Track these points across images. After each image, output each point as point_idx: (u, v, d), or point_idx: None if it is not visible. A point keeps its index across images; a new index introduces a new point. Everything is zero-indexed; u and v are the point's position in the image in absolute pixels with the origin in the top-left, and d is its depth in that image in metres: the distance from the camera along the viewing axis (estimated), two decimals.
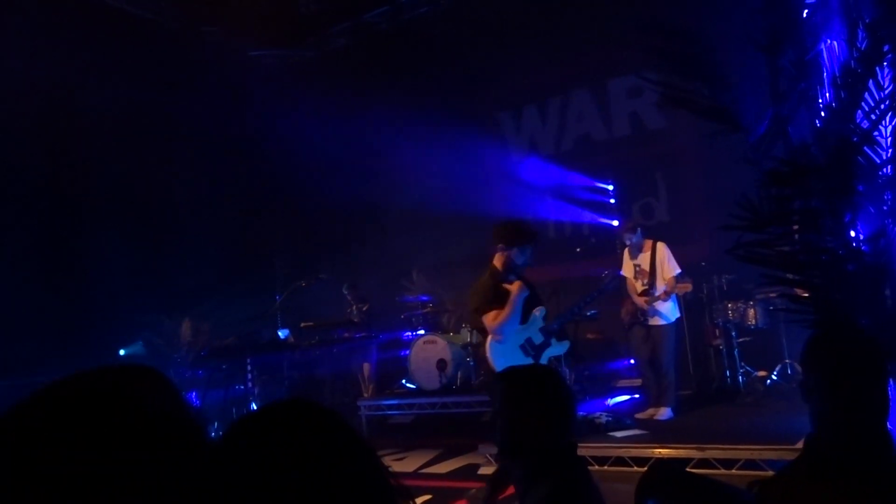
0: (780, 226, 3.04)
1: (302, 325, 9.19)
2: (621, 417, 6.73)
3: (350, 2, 10.36)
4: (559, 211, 10.35)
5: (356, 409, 8.73)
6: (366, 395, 9.25)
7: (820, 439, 2.01)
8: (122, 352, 9.02)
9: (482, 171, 10.11)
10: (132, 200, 9.59)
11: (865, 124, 2.96)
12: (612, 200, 9.94)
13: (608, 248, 7.88)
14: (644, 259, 7.06)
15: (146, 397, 0.88)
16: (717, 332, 7.91)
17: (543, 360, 4.65)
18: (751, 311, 7.60)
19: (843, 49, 3.02)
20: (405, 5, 10.45)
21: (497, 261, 4.71)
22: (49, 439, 0.78)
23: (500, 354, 4.53)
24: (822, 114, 3.07)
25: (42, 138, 8.81)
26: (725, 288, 7.87)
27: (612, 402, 7.66)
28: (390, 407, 8.87)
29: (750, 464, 5.31)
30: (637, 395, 7.87)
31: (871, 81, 2.92)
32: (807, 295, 3.27)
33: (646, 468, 2.46)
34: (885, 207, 2.94)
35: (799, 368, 7.23)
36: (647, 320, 6.97)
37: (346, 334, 9.31)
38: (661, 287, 6.90)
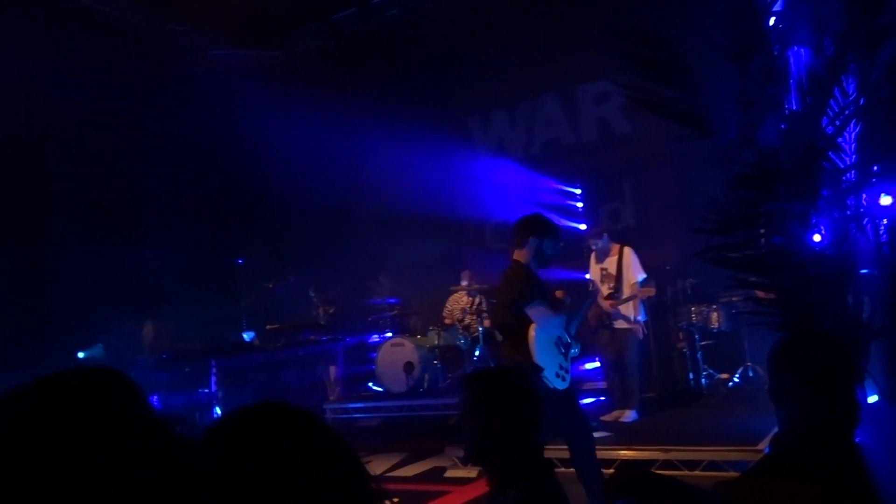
0: (747, 229, 3.09)
1: (268, 327, 9.08)
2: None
3: (319, 2, 10.28)
4: (527, 211, 10.37)
5: (322, 412, 8.65)
6: (332, 398, 9.17)
7: (788, 440, 2.03)
8: (80, 354, 8.81)
9: (450, 175, 10.11)
10: (92, 200, 9.38)
11: (830, 130, 3.03)
12: (580, 204, 10.03)
13: (576, 251, 7.94)
14: (611, 263, 7.13)
15: (114, 400, 0.85)
16: (681, 335, 8.01)
17: (568, 359, 4.63)
18: (714, 315, 7.73)
19: (810, 56, 3.09)
20: (375, 7, 10.41)
21: (522, 255, 4.60)
22: (16, 445, 0.74)
23: (543, 348, 4.46)
24: (789, 119, 3.13)
25: None
26: (689, 292, 7.99)
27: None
28: (356, 410, 8.81)
29: (713, 465, 5.39)
30: (602, 398, 7.94)
31: (836, 88, 2.98)
32: (772, 298, 3.32)
33: (612, 469, 2.47)
34: (848, 212, 3.01)
35: (761, 371, 7.38)
36: (612, 323, 7.04)
37: (313, 337, 9.22)
38: (626, 292, 6.98)
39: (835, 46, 2.95)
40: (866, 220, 3.04)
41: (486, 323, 8.90)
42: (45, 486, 0.71)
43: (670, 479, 2.77)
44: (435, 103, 10.70)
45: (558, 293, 4.83)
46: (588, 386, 8.66)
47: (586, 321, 7.38)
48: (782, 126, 3.14)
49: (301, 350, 9.07)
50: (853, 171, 3.05)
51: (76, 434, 0.76)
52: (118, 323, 8.99)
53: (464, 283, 9.15)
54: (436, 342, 8.84)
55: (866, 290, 3.16)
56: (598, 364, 7.88)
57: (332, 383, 9.36)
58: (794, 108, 3.15)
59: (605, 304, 7.04)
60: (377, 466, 6.93)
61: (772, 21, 3.22)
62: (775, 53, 3.15)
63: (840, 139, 3.04)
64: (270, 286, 8.62)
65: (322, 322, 9.46)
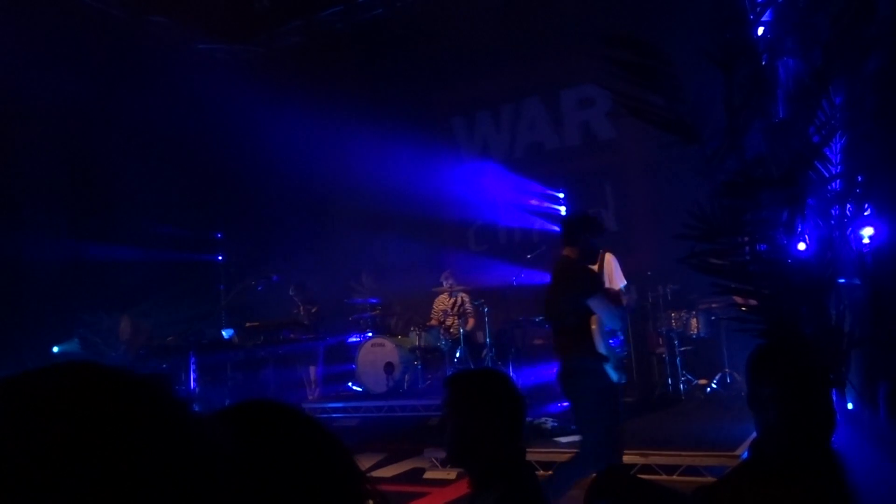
0: (731, 237, 3.11)
1: (247, 325, 9.00)
2: (566, 423, 6.79)
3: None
4: (509, 217, 10.42)
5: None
6: (311, 397, 9.12)
7: (766, 447, 2.05)
8: (55, 349, 8.68)
9: (434, 175, 10.10)
10: (70, 192, 9.26)
11: (816, 140, 3.06)
12: (562, 209, 10.06)
13: (558, 255, 7.96)
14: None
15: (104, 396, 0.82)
16: (660, 340, 8.06)
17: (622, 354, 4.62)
18: (693, 321, 7.78)
19: (798, 66, 3.12)
20: (360, 5, 10.37)
21: (574, 252, 4.59)
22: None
23: (603, 341, 4.44)
24: (776, 128, 3.16)
25: None
26: (669, 297, 8.04)
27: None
28: (336, 410, 8.75)
29: (691, 469, 5.42)
30: None
31: (823, 99, 3.01)
32: (754, 305, 3.35)
33: (593, 473, 2.47)
34: (832, 222, 3.04)
35: (738, 377, 7.44)
36: None
37: (293, 335, 9.16)
38: None
39: (822, 57, 2.98)
40: (850, 230, 3.07)
41: (470, 323, 8.90)
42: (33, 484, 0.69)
43: (650, 482, 2.78)
44: (419, 103, 10.69)
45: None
46: None
47: None
48: (769, 135, 3.17)
49: (281, 348, 8.99)
50: (838, 181, 3.08)
51: (63, 430, 0.73)
52: (94, 317, 8.86)
53: (445, 283, 9.14)
54: (416, 343, 8.81)
55: (848, 299, 3.20)
56: None
57: (311, 382, 9.31)
58: (781, 116, 3.18)
59: None
60: None
61: (760, 31, 3.24)
62: (762, 62, 3.17)
63: (826, 149, 3.08)
64: (252, 283, 8.54)
65: (304, 322, 9.39)
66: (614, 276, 7.05)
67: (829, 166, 3.08)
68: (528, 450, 2.13)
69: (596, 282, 4.54)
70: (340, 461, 0.87)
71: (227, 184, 10.83)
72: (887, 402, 3.11)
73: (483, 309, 8.45)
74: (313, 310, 9.53)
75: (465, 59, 9.94)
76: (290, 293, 9.64)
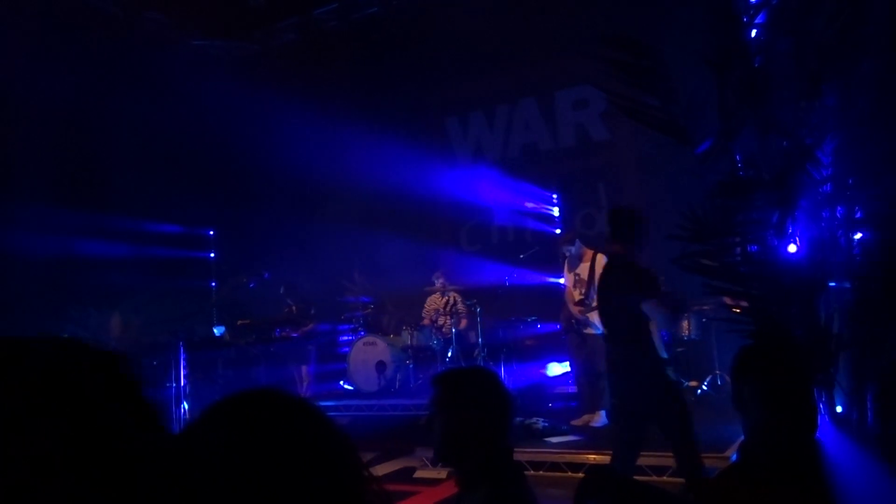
0: (723, 238, 3.12)
1: (239, 322, 8.97)
2: (557, 423, 6.80)
3: None
4: (502, 217, 10.43)
5: None
6: (302, 395, 9.09)
7: (753, 448, 2.06)
8: None
9: (427, 174, 10.09)
10: (61, 187, 9.20)
11: (809, 141, 3.07)
12: (556, 210, 10.08)
13: (551, 255, 7.98)
14: (583, 269, 7.14)
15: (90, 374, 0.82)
16: None
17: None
18: (684, 323, 7.79)
19: (791, 68, 3.13)
20: (355, 4, 10.36)
21: (628, 249, 4.43)
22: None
23: (661, 344, 4.36)
24: (768, 129, 3.17)
25: None
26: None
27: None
28: (327, 408, 8.71)
29: None
30: (573, 403, 7.97)
31: (815, 101, 3.03)
32: (745, 306, 3.36)
33: (581, 473, 2.47)
34: (823, 224, 3.05)
35: (729, 379, 7.46)
36: (582, 329, 7.05)
37: (284, 333, 9.14)
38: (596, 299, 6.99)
39: (815, 60, 2.99)
40: (840, 232, 3.08)
41: (462, 323, 8.89)
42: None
43: (639, 483, 2.79)
44: (413, 103, 10.69)
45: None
46: (558, 390, 8.70)
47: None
48: (761, 136, 3.18)
49: (272, 346, 8.98)
50: (829, 184, 3.09)
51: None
52: (84, 313, 8.82)
53: (437, 283, 9.13)
54: (409, 342, 8.81)
55: (838, 301, 3.21)
56: (568, 368, 7.91)
57: (303, 380, 9.29)
58: (774, 118, 3.19)
59: (575, 311, 7.06)
60: None
61: (754, 32, 3.25)
62: (756, 64, 3.18)
63: (818, 151, 3.09)
64: (243, 280, 8.52)
65: (297, 320, 9.37)
66: None
67: (821, 168, 3.10)
68: (518, 450, 2.13)
69: (656, 284, 4.41)
70: (347, 458, 0.86)
71: (220, 181, 10.80)
72: (876, 404, 3.13)
73: (475, 308, 8.45)
74: (311, 311, 9.51)
75: (459, 59, 9.94)
76: (281, 292, 9.61)
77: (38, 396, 0.70)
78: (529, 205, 10.15)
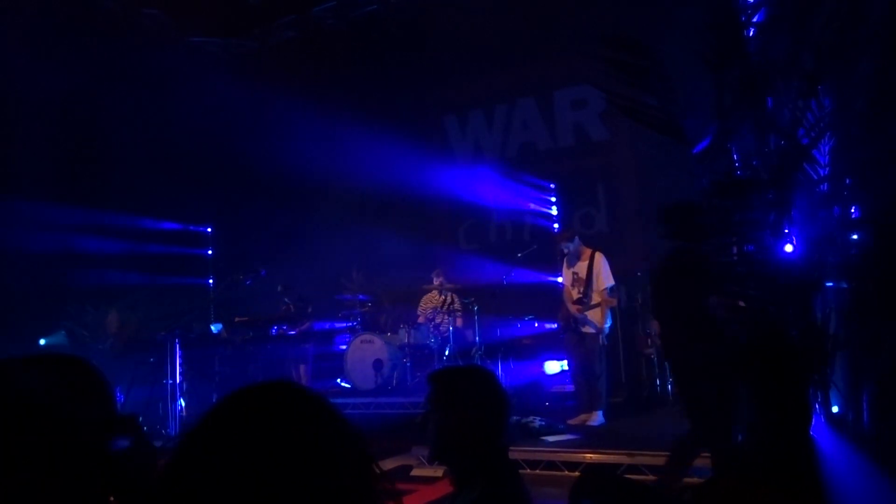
0: (719, 237, 3.12)
1: (236, 319, 8.97)
2: (554, 422, 6.80)
3: None
4: (500, 215, 10.44)
5: None
6: None
7: (748, 446, 2.06)
8: (42, 341, 8.62)
9: (425, 173, 10.10)
10: (59, 184, 9.19)
11: (805, 141, 3.07)
12: (554, 211, 10.09)
13: (549, 254, 7.98)
14: (581, 267, 7.14)
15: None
16: (649, 341, 8.07)
17: None
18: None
19: (788, 68, 3.13)
20: (354, 2, 10.34)
21: (688, 244, 4.23)
22: None
23: None
24: (765, 129, 3.17)
25: None
26: None
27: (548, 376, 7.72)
28: None
29: None
30: (570, 402, 7.98)
31: (812, 100, 3.03)
32: (742, 306, 3.36)
33: (577, 472, 2.47)
34: (820, 224, 3.05)
35: None
36: (579, 328, 7.06)
37: (282, 331, 9.13)
38: (595, 298, 7.00)
39: (813, 60, 3.00)
40: (837, 232, 3.08)
41: (459, 322, 8.89)
42: None
43: (635, 482, 2.79)
44: (412, 101, 10.69)
45: None
46: (555, 389, 8.71)
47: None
48: (758, 136, 3.18)
49: (269, 344, 8.97)
50: (826, 184, 3.09)
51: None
52: (81, 310, 8.82)
53: (435, 281, 9.13)
54: (406, 340, 8.81)
55: (834, 302, 3.21)
56: (565, 367, 7.92)
57: (300, 378, 9.27)
58: (771, 118, 3.19)
59: (573, 309, 7.06)
60: None
61: (752, 31, 3.25)
62: (753, 63, 3.18)
63: (815, 151, 3.09)
64: (240, 277, 8.51)
65: (294, 318, 9.36)
66: (602, 275, 7.08)
67: (818, 168, 3.10)
68: (515, 448, 2.13)
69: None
70: (359, 454, 0.86)
71: (218, 178, 10.79)
72: (872, 405, 3.13)
73: (472, 307, 8.45)
74: (308, 309, 9.50)
75: (458, 57, 9.94)
76: (278, 290, 9.60)
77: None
78: (528, 204, 10.16)
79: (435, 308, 9.13)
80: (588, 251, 7.18)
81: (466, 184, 10.29)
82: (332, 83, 10.23)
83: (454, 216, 10.63)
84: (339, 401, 8.52)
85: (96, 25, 9.22)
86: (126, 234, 9.40)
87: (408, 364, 8.74)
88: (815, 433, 2.89)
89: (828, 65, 2.98)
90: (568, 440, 6.38)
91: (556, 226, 9.97)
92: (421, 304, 9.36)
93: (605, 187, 9.89)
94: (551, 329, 8.53)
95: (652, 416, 7.35)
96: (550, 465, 5.90)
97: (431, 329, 8.89)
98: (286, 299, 9.54)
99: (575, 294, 7.11)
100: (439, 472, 6.09)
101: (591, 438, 6.39)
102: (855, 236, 3.09)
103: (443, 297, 9.14)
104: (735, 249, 3.25)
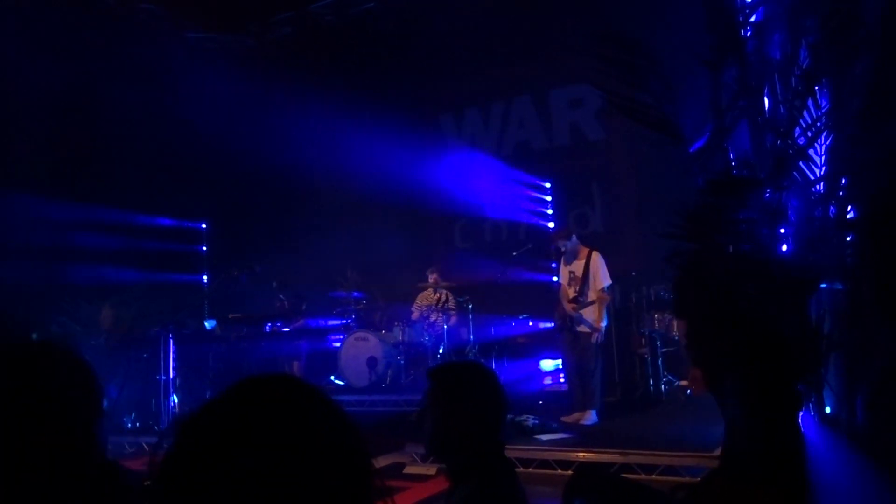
0: (715, 236, 3.12)
1: (230, 316, 8.94)
2: (547, 421, 6.81)
3: None
4: (496, 214, 10.43)
5: None
6: None
7: (736, 447, 2.07)
8: (34, 336, 8.57)
9: (421, 171, 10.08)
10: (53, 179, 9.14)
11: (802, 141, 3.07)
12: (549, 211, 10.11)
13: (544, 253, 7.99)
14: (578, 266, 7.15)
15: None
16: (643, 340, 8.09)
17: None
18: (675, 322, 7.81)
19: (785, 67, 3.13)
20: None
21: None
22: None
23: None
24: (762, 128, 3.17)
25: None
26: (653, 298, 8.07)
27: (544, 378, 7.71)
28: None
29: (669, 470, 5.45)
30: (564, 401, 7.98)
31: (809, 100, 3.03)
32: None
33: (571, 471, 2.47)
34: (815, 224, 3.05)
35: None
36: (575, 327, 7.06)
37: (276, 328, 9.11)
38: (591, 297, 7.01)
39: (810, 59, 3.00)
40: (832, 232, 3.09)
41: (453, 320, 8.89)
42: None
43: (628, 481, 2.78)
44: (408, 99, 10.67)
45: None
46: (549, 388, 8.72)
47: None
48: (755, 136, 3.18)
49: (264, 341, 8.95)
50: (822, 184, 3.10)
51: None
52: (75, 305, 8.78)
53: (430, 279, 9.12)
54: (400, 338, 8.80)
55: (829, 302, 3.22)
56: (559, 364, 7.93)
57: (293, 375, 9.26)
58: (768, 117, 3.19)
59: (569, 308, 7.07)
60: None
61: (749, 31, 3.25)
62: (750, 63, 3.18)
63: (811, 151, 3.09)
64: (235, 273, 8.48)
65: (289, 316, 9.35)
66: (599, 274, 7.08)
67: (814, 168, 3.10)
68: (508, 447, 2.12)
69: None
70: (357, 452, 0.85)
71: (213, 174, 10.75)
72: (865, 405, 3.13)
73: (467, 306, 8.45)
74: (303, 307, 9.48)
75: (455, 56, 9.93)
76: (273, 286, 9.58)
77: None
78: (523, 203, 10.16)
79: (429, 306, 9.13)
80: (585, 250, 7.18)
81: (462, 182, 10.28)
82: (328, 80, 10.20)
83: (450, 214, 10.62)
84: (333, 398, 8.51)
85: (92, 20, 9.17)
86: (121, 230, 9.36)
87: (402, 362, 8.73)
88: (807, 432, 2.90)
89: (824, 65, 2.98)
90: (561, 439, 6.38)
91: (551, 225, 9.98)
92: (416, 301, 9.36)
93: (601, 187, 9.90)
94: (546, 328, 8.54)
95: (645, 415, 7.36)
96: (544, 463, 5.90)
97: (426, 327, 8.89)
98: (281, 296, 9.53)
99: (571, 293, 7.12)
100: (432, 471, 6.09)
101: (584, 437, 6.40)
102: (850, 237, 3.09)
103: (437, 294, 9.13)
104: (731, 249, 3.25)
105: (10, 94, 8.53)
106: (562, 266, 7.35)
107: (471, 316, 8.40)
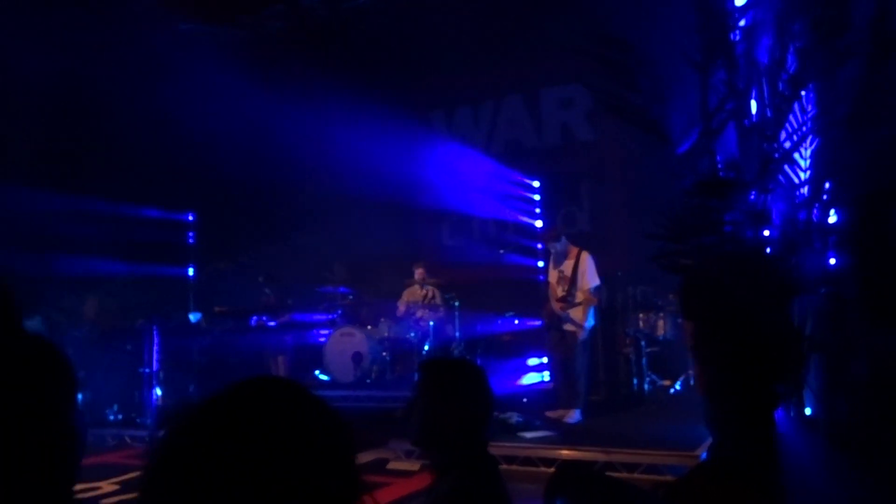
0: (700, 237, 3.14)
1: (216, 309, 8.90)
2: (531, 418, 6.83)
3: None
4: (484, 212, 10.44)
5: None
6: None
7: (718, 446, 2.09)
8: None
9: (411, 167, 10.07)
10: (39, 168, 9.06)
11: (788, 145, 3.10)
12: (538, 210, 10.14)
13: (531, 250, 8.02)
14: (568, 266, 7.17)
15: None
16: (627, 340, 8.13)
17: None
18: (660, 323, 7.87)
19: (773, 72, 3.16)
20: None
21: None
22: None
23: None
24: (749, 131, 3.20)
25: None
26: (639, 298, 8.11)
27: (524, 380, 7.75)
28: None
29: (651, 468, 5.49)
30: (548, 400, 8.01)
31: (796, 104, 3.06)
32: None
33: (553, 468, 2.49)
34: (799, 227, 3.09)
35: None
36: (562, 325, 7.09)
37: (261, 322, 9.08)
38: (579, 297, 7.04)
39: (797, 64, 3.03)
40: (815, 235, 3.12)
41: (439, 316, 8.89)
42: None
43: (610, 479, 2.80)
44: (399, 95, 10.64)
45: None
46: (535, 384, 8.74)
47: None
48: (742, 138, 3.21)
49: (249, 335, 8.91)
50: (807, 187, 3.13)
51: None
52: (59, 296, 8.70)
53: (417, 276, 9.12)
54: (386, 334, 8.79)
55: (811, 305, 3.25)
56: (546, 378, 7.97)
57: (279, 370, 9.23)
58: (755, 120, 3.22)
59: (557, 307, 7.09)
60: None
61: (738, 35, 3.28)
62: (739, 66, 3.21)
63: (797, 154, 3.13)
64: (221, 267, 8.45)
65: (275, 310, 9.32)
66: (588, 275, 7.10)
67: (799, 171, 3.13)
68: (492, 444, 2.15)
69: None
70: (345, 452, 0.85)
71: (202, 165, 10.68)
72: (845, 407, 3.17)
73: (453, 303, 8.45)
74: (289, 301, 9.45)
75: (447, 53, 9.91)
76: (259, 280, 9.54)
77: None
78: (512, 201, 10.18)
79: (416, 302, 9.13)
80: (575, 250, 7.20)
81: (451, 179, 10.28)
82: (319, 74, 10.16)
83: (438, 211, 10.62)
84: (317, 393, 8.48)
85: (83, 9, 9.08)
86: (107, 220, 9.28)
87: (387, 358, 8.72)
88: (787, 432, 2.93)
89: (811, 70, 3.01)
90: (545, 436, 6.40)
91: (538, 223, 10.00)
92: (402, 297, 9.35)
93: (589, 186, 9.93)
94: (531, 326, 8.56)
95: (629, 414, 7.40)
96: (527, 461, 5.93)
97: (412, 323, 8.89)
98: (267, 290, 9.49)
99: (559, 292, 7.14)
100: (416, 466, 6.10)
101: (567, 435, 6.42)
102: (833, 240, 3.13)
103: (424, 291, 9.13)
104: (716, 250, 3.28)
105: None
106: (551, 266, 7.38)
107: (457, 313, 8.40)
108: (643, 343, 7.93)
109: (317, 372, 9.24)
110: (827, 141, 3.03)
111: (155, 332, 7.69)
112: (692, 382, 7.80)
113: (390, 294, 9.60)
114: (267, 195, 11.02)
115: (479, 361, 8.15)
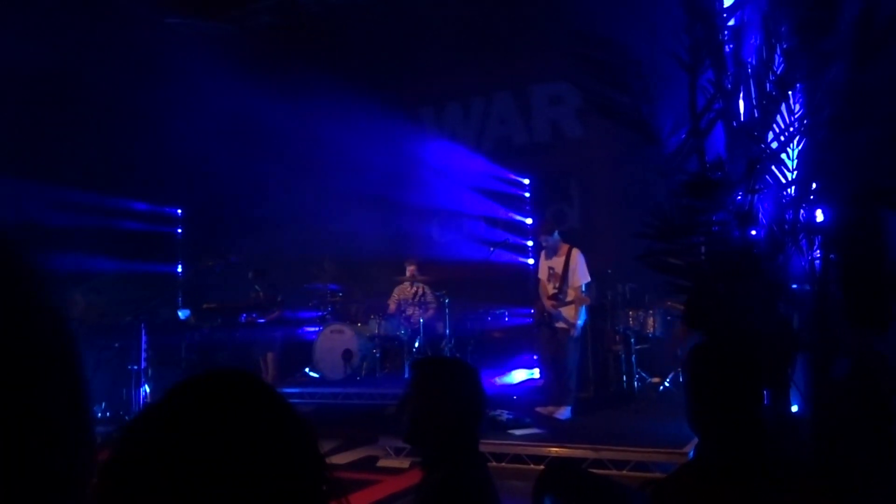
0: (688, 236, 3.16)
1: (205, 306, 8.87)
2: (521, 416, 6.85)
3: None
4: (474, 208, 10.44)
5: None
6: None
7: (704, 444, 2.10)
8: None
9: (400, 164, 10.06)
10: (24, 160, 8.98)
11: (775, 145, 3.12)
12: (528, 207, 10.15)
13: (521, 248, 8.02)
14: (558, 263, 7.18)
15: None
16: (617, 337, 8.15)
17: None
18: (650, 320, 7.88)
19: (761, 72, 3.17)
20: None
21: None
22: None
23: None
24: (736, 131, 3.22)
25: None
26: (628, 296, 8.13)
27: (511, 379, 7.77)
28: (291, 395, 8.68)
29: (640, 465, 5.52)
30: (538, 396, 8.03)
31: (783, 105, 3.08)
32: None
33: (542, 466, 2.50)
34: (786, 227, 3.10)
35: None
36: (553, 323, 7.11)
37: (251, 319, 9.05)
38: (570, 294, 7.05)
39: (785, 63, 3.04)
40: (802, 235, 3.14)
41: (430, 314, 8.90)
42: None
43: (598, 476, 2.82)
44: (389, 91, 10.62)
45: None
46: (525, 382, 8.76)
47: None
48: (729, 138, 3.22)
49: (238, 332, 8.88)
50: (794, 187, 3.15)
51: None
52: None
53: (407, 272, 9.12)
54: (376, 331, 8.79)
55: (797, 303, 3.27)
56: (535, 375, 7.99)
57: (268, 367, 9.21)
58: (742, 120, 3.23)
59: (548, 304, 7.11)
60: None
61: (725, 34, 3.29)
62: (726, 66, 3.23)
63: (784, 155, 3.14)
64: (209, 263, 8.41)
65: (264, 307, 9.29)
66: (578, 272, 7.12)
67: (786, 171, 3.15)
68: (482, 441, 2.17)
69: None
70: (304, 445, 0.85)
71: (190, 160, 10.62)
72: (831, 405, 3.19)
73: (444, 300, 8.46)
74: (279, 298, 9.42)
75: (437, 49, 9.90)
76: (249, 277, 9.50)
77: None
78: (502, 198, 10.18)
79: (406, 299, 9.12)
80: (566, 247, 7.21)
81: (441, 175, 10.28)
82: (308, 71, 10.12)
83: (428, 207, 10.61)
84: (307, 390, 8.49)
85: (70, 1, 9.01)
86: (94, 213, 9.22)
87: (377, 355, 8.73)
88: (775, 432, 2.95)
89: (798, 71, 3.03)
90: (534, 434, 6.43)
91: (528, 220, 10.02)
92: (392, 294, 9.35)
93: (579, 184, 9.95)
94: (522, 323, 8.58)
95: (618, 412, 7.43)
96: (517, 458, 5.95)
97: (402, 320, 8.89)
98: (256, 286, 9.45)
99: (550, 289, 7.15)
100: (405, 464, 6.11)
101: (557, 432, 6.45)
102: (819, 240, 3.15)
103: (414, 288, 9.13)
104: (703, 249, 3.30)
105: None
106: (542, 261, 7.39)
107: (447, 310, 8.41)
108: (632, 340, 7.96)
109: (306, 369, 9.23)
110: (814, 142, 3.05)
111: (143, 329, 7.66)
112: (682, 380, 7.84)
113: (380, 291, 9.59)
114: (256, 191, 10.98)
115: (469, 359, 8.16)
